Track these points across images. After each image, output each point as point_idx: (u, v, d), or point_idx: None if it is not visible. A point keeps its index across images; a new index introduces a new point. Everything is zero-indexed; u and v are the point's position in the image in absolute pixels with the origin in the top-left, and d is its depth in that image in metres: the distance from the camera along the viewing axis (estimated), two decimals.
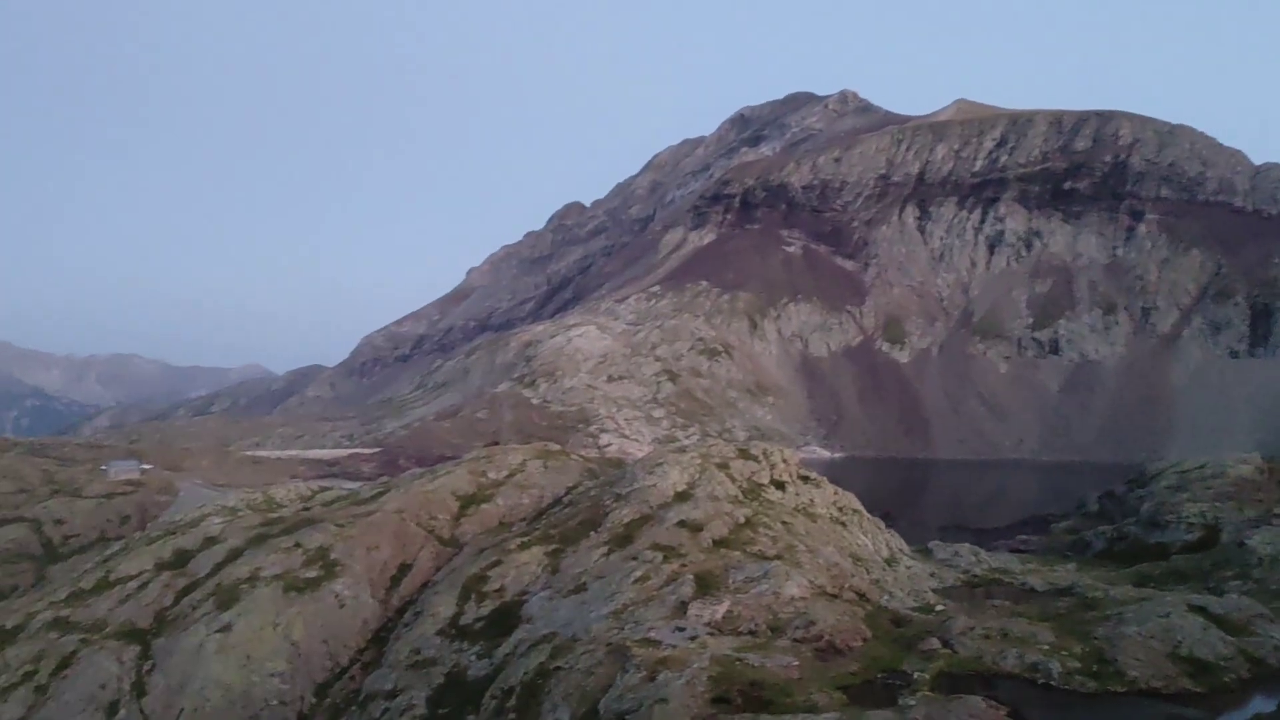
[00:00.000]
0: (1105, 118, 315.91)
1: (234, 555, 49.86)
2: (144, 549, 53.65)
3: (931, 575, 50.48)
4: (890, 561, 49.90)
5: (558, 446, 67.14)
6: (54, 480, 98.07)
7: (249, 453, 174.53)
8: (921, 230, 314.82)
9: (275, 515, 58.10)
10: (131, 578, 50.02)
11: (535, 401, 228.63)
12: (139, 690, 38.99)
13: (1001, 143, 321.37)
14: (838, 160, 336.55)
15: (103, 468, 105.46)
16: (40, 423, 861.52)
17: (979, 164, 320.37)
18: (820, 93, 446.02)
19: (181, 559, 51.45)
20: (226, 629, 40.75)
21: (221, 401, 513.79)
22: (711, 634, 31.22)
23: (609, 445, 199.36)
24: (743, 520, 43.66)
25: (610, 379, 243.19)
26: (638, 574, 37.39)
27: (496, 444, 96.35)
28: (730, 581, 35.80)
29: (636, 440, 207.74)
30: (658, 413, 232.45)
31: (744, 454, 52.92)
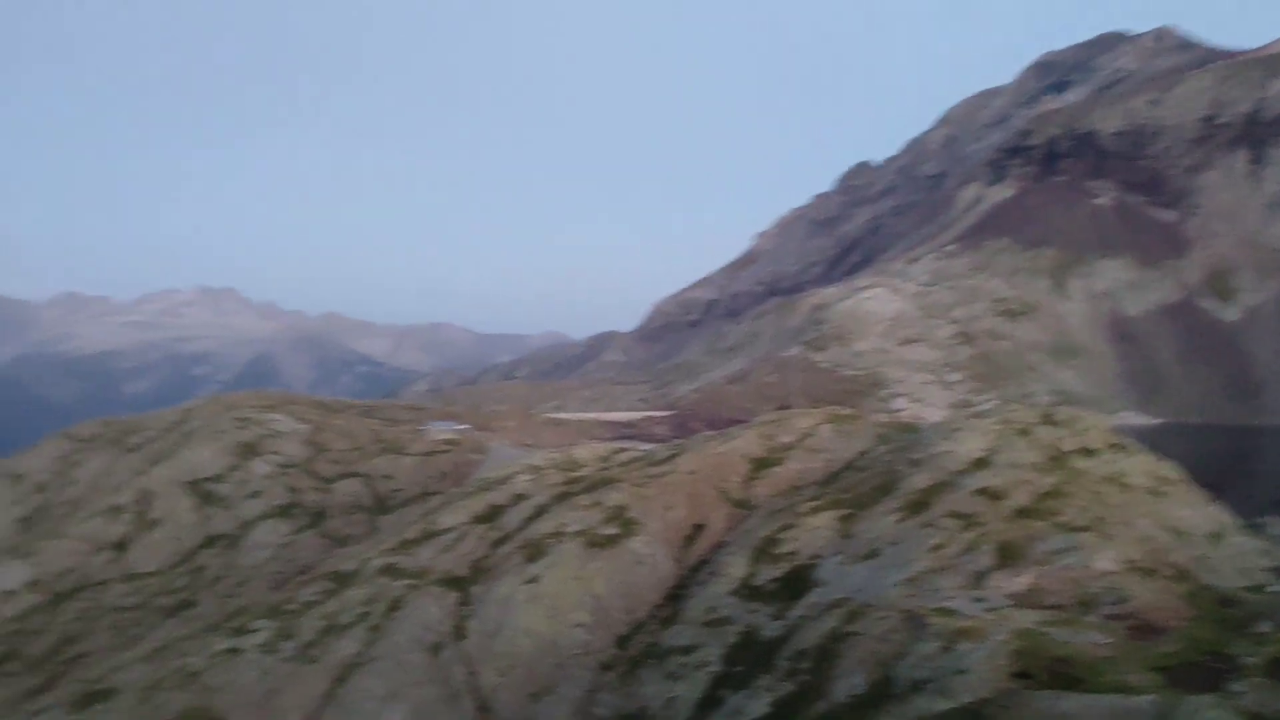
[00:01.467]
0: None
1: (540, 512, 52.94)
2: (460, 503, 57.95)
3: (1264, 553, 46.10)
4: (1215, 537, 45.92)
5: (849, 410, 66.41)
6: (382, 439, 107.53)
7: (551, 415, 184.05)
8: (1254, 175, 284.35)
9: (577, 474, 61.07)
10: (450, 530, 54.27)
11: (825, 365, 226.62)
12: (459, 634, 42.28)
13: None
14: (1154, 103, 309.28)
15: (422, 428, 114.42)
16: (370, 387, 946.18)
17: None
18: (1132, 32, 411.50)
19: (493, 514, 55.26)
20: (535, 580, 43.41)
21: (525, 367, 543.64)
22: (1013, 606, 30.07)
23: (901, 410, 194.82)
24: (1047, 489, 41.53)
25: (903, 342, 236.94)
26: (934, 541, 36.52)
27: (786, 407, 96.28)
28: (1034, 552, 34.26)
29: (931, 405, 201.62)
30: (953, 377, 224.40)
31: (1047, 419, 50.22)
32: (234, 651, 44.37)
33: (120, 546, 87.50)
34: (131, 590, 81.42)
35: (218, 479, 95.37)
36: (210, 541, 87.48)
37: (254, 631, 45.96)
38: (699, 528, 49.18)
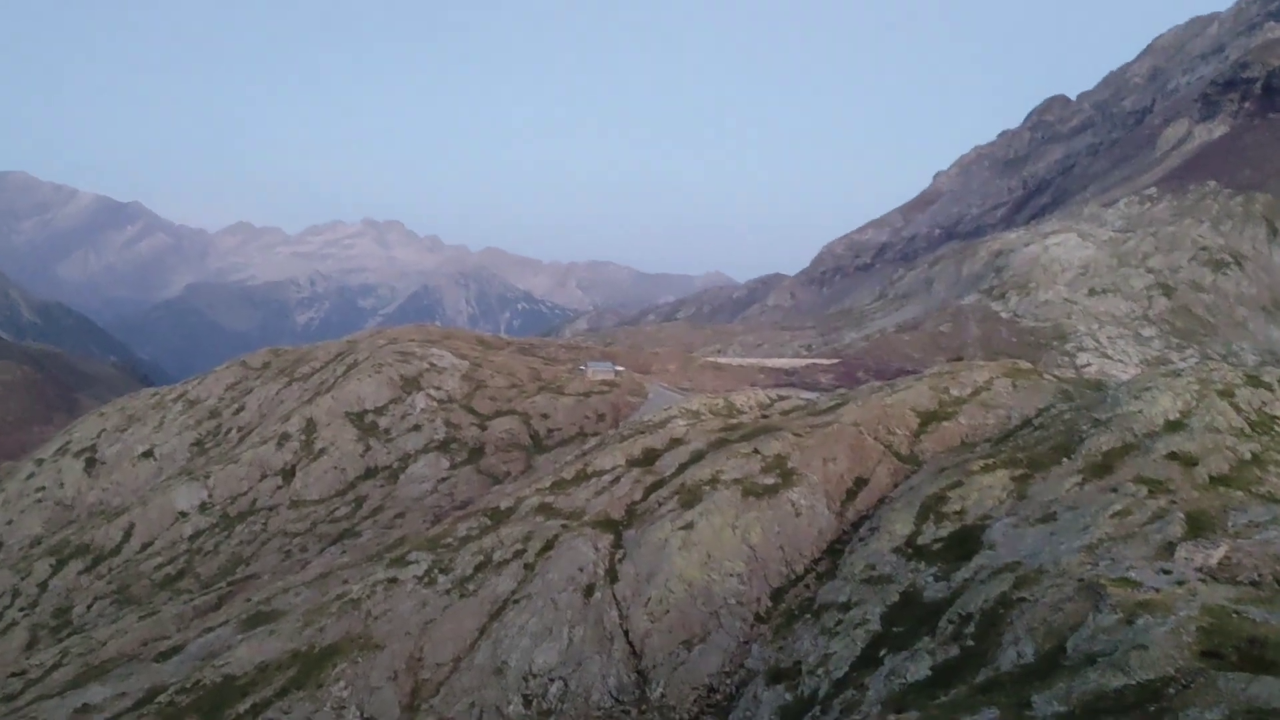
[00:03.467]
0: None
1: (697, 457, 53.64)
2: (617, 446, 59.10)
3: None
4: None
5: (1028, 365, 64.46)
6: (540, 377, 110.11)
7: (711, 359, 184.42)
8: None
9: (735, 421, 61.60)
10: (605, 472, 55.38)
11: (1004, 316, 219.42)
12: (612, 576, 43.26)
13: None
14: None
15: (580, 367, 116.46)
16: (529, 324, 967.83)
17: None
18: None
19: (650, 457, 56.32)
20: (689, 526, 43.96)
21: (686, 308, 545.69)
22: (1203, 580, 28.74)
23: (1087, 366, 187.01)
24: (1248, 456, 39.39)
25: (1092, 292, 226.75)
26: (1117, 507, 35.20)
27: (960, 359, 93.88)
28: (1229, 524, 32.63)
29: (1121, 361, 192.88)
30: (1147, 331, 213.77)
31: (1253, 380, 47.46)
32: (393, 582, 46.62)
33: (287, 474, 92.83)
34: (297, 516, 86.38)
35: (380, 411, 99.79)
36: (371, 473, 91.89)
37: (412, 563, 48.16)
38: (861, 481, 48.82)
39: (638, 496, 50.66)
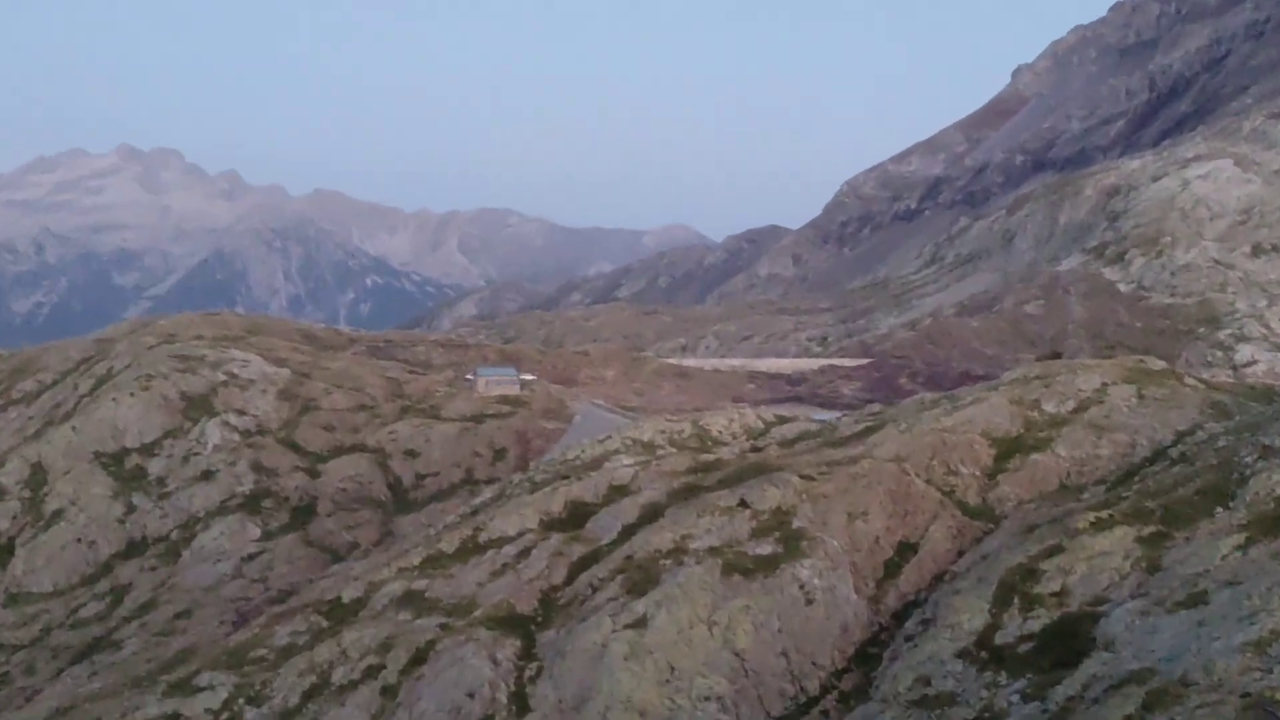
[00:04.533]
0: None
1: (651, 514, 53.59)
2: (525, 499, 58.96)
3: None
4: None
5: (1161, 364, 64.84)
6: (403, 393, 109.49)
7: (671, 360, 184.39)
8: None
9: (710, 457, 61.20)
10: (509, 539, 55.17)
11: (1124, 288, 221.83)
12: (520, 703, 42.98)
13: None
14: None
15: (468, 377, 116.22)
16: (386, 307, 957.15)
17: None
18: None
19: (578, 516, 56.21)
20: (641, 624, 43.74)
21: (633, 281, 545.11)
22: None
23: (1252, 364, 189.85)
24: None
25: (1258, 251, 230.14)
26: None
27: (1058, 356, 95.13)
28: None
29: None
30: None
31: None
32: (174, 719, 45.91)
33: (1, 551, 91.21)
34: (18, 620, 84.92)
35: (149, 450, 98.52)
36: (137, 547, 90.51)
37: (204, 690, 47.48)
38: (907, 549, 49.06)
39: (559, 578, 50.51)
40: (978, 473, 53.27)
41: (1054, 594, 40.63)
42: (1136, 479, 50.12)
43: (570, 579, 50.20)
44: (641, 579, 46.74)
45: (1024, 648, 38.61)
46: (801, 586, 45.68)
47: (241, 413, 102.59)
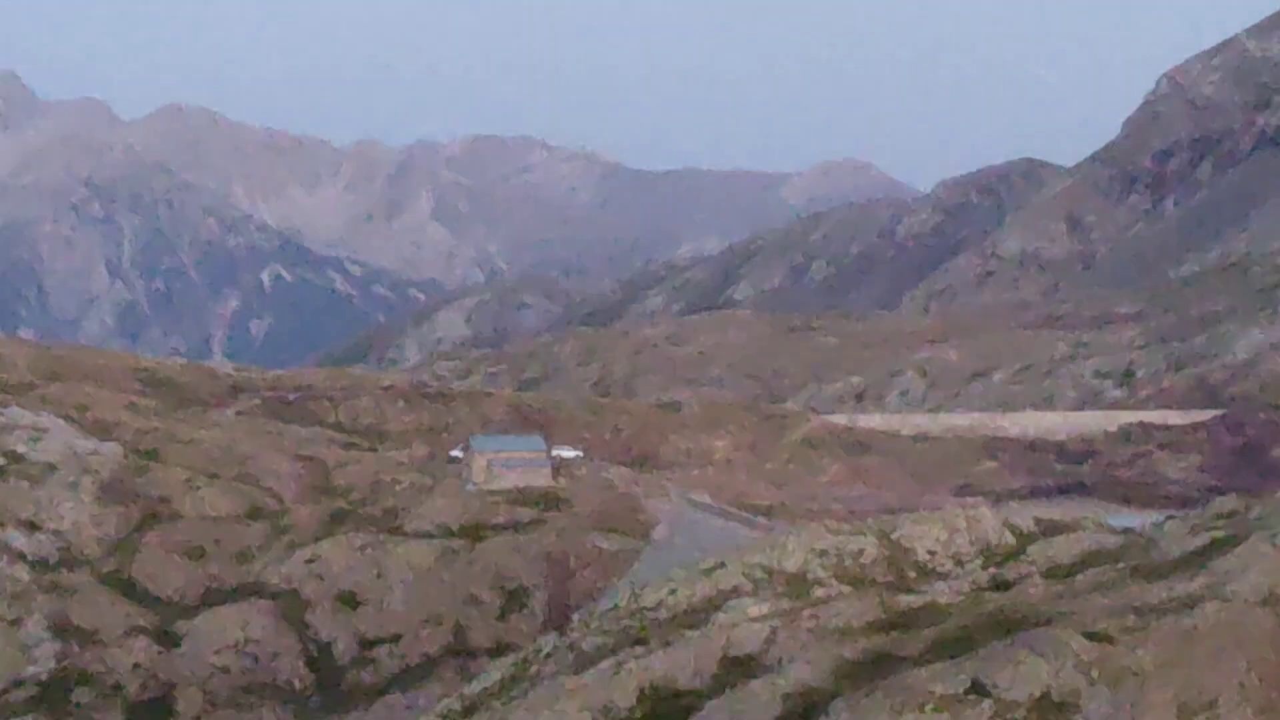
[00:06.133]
0: None
1: (804, 711, 40.20)
2: (565, 683, 45.36)
3: None
4: None
5: None
6: (331, 486, 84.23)
7: (838, 418, 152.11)
8: None
9: (915, 600, 48.31)
10: None
11: None
12: None
13: None
14: None
15: (456, 454, 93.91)
16: (296, 326, 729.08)
17: None
18: None
19: (664, 715, 42.20)
20: None
21: (762, 269, 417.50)
22: None
23: None
24: None
25: None
26: None
27: None
28: None
29: None
30: None
31: None
32: None
33: None
34: None
35: None
36: None
37: None
38: None
39: None
40: None
41: None
42: None
43: None
44: None
45: None
46: None
47: (32, 527, 78.09)
